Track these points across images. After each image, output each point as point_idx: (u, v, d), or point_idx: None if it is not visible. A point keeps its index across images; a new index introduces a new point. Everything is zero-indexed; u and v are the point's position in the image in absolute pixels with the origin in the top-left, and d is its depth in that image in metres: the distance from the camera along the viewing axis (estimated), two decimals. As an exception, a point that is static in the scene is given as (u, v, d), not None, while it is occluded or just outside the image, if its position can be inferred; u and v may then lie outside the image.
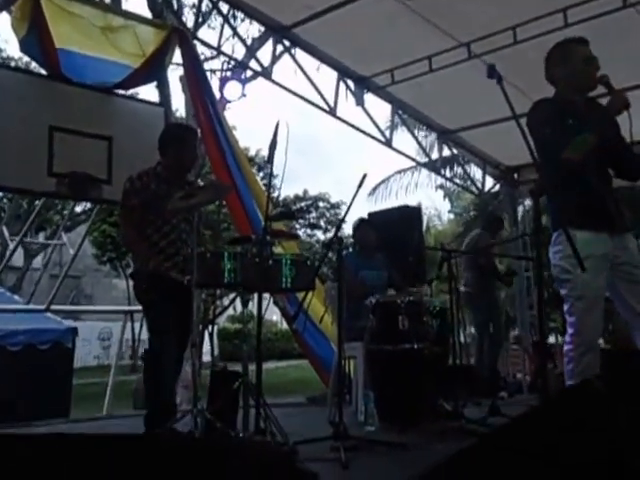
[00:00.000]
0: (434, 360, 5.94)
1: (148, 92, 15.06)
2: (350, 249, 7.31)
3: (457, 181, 14.97)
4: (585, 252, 3.53)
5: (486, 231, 9.34)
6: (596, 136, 3.87)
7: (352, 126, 9.76)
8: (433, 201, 41.39)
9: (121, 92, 7.55)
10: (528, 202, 12.75)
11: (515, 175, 11.56)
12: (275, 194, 17.52)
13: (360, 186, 5.07)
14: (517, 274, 10.43)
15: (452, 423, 5.49)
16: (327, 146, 77.87)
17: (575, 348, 3.87)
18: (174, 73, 12.35)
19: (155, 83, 11.90)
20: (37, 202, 14.53)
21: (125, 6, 14.44)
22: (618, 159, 4.14)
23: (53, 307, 10.44)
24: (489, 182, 12.15)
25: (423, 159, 12.66)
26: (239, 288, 5.24)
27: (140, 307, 5.25)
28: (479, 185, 12.31)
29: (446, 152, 11.54)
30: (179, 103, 15.90)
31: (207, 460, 1.82)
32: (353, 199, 5.17)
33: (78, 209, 21.82)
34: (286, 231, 7.82)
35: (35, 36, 6.64)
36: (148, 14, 12.69)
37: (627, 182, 4.20)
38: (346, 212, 5.26)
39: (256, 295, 4.65)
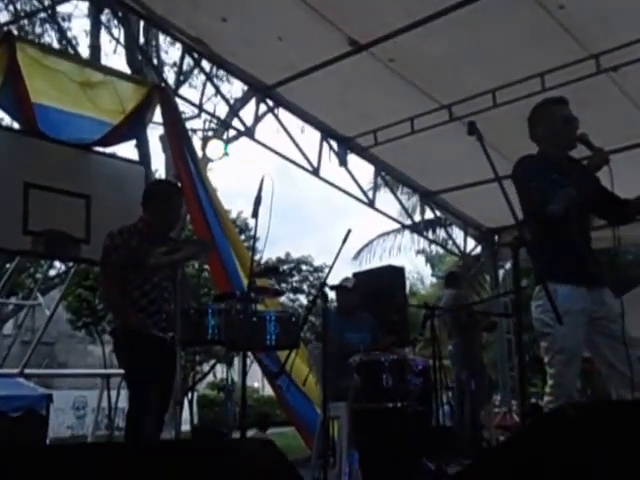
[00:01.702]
0: (417, 418, 5.90)
1: (127, 150, 14.85)
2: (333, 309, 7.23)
3: (439, 243, 14.98)
4: (564, 307, 3.64)
5: (455, 289, 9.42)
6: (578, 191, 3.98)
7: (335, 187, 9.79)
8: (415, 265, 41.22)
9: (100, 149, 7.34)
10: (509, 265, 12.78)
11: (496, 237, 11.62)
12: (257, 257, 17.35)
13: (345, 241, 5.05)
14: (497, 326, 10.49)
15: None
16: (310, 208, 77.57)
17: (555, 400, 3.96)
18: (152, 132, 12.30)
19: (134, 142, 11.78)
20: (8, 265, 14.27)
21: (104, 61, 14.37)
22: (603, 204, 4.24)
23: (27, 371, 10.15)
24: (470, 244, 12.19)
25: (406, 220, 12.67)
26: (222, 346, 5.14)
27: (118, 371, 5.11)
28: (461, 247, 12.33)
29: (428, 214, 11.59)
30: (158, 163, 15.79)
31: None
32: (338, 254, 5.14)
33: (52, 272, 21.50)
34: (270, 288, 7.70)
35: (10, 90, 6.45)
36: (127, 70, 12.61)
37: (607, 244, 4.23)
38: (329, 271, 5.23)
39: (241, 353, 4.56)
